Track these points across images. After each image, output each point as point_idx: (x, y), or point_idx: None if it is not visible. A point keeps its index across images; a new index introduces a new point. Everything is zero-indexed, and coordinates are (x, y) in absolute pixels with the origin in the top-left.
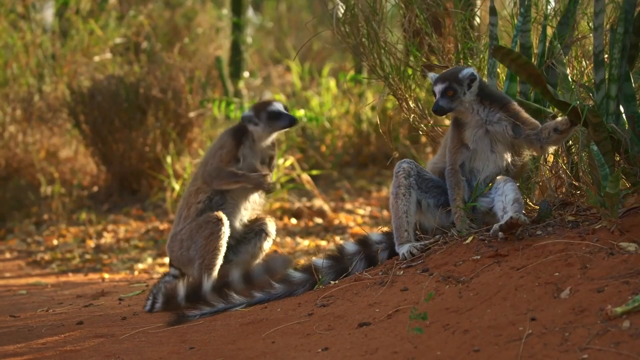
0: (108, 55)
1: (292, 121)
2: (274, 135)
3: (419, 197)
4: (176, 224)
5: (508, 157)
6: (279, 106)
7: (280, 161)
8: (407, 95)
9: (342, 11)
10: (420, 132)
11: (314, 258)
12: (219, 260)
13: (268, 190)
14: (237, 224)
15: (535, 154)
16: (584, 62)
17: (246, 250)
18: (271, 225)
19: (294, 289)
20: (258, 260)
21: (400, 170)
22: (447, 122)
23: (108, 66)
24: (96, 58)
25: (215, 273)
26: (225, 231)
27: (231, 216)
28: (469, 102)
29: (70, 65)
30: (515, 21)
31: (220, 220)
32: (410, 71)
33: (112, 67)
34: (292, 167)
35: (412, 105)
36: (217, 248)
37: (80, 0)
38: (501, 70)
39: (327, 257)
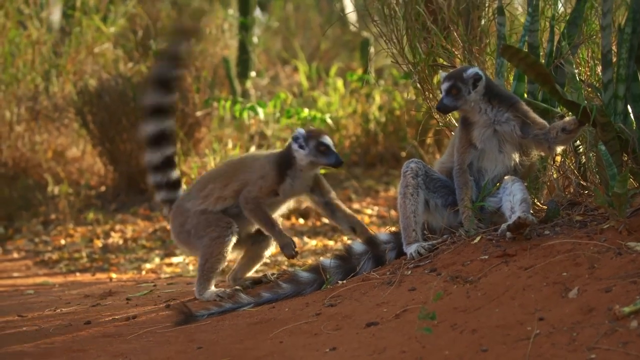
0: (105, 45)
1: (337, 161)
2: (316, 170)
3: (426, 197)
4: (191, 194)
5: (516, 157)
6: (329, 141)
7: None
8: (430, 86)
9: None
10: (439, 124)
11: (321, 258)
12: (221, 266)
13: (290, 256)
14: (250, 229)
15: (543, 154)
16: (592, 62)
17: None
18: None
19: (302, 288)
20: (257, 266)
21: (408, 170)
22: (454, 121)
23: (108, 57)
24: (96, 49)
25: (213, 283)
26: (233, 240)
27: (246, 225)
28: (474, 102)
29: (74, 62)
30: (524, 20)
31: (231, 227)
32: (441, 60)
33: (109, 61)
34: None
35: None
36: (221, 253)
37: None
38: (509, 69)
39: (334, 257)
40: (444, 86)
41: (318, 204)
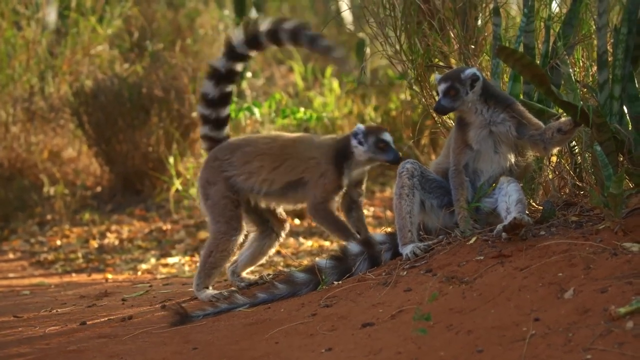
0: (99, 47)
1: (395, 158)
2: (372, 165)
3: (422, 198)
4: (233, 161)
5: (511, 157)
6: (389, 138)
7: None
8: (427, 84)
9: None
10: (437, 124)
11: (317, 259)
12: (224, 264)
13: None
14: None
15: (538, 154)
16: (587, 63)
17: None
18: (286, 228)
19: (297, 289)
20: (258, 262)
21: (403, 171)
22: (450, 122)
23: (104, 58)
24: (92, 51)
25: (213, 281)
26: (239, 239)
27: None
28: (471, 102)
29: (70, 63)
30: (519, 21)
31: (238, 230)
32: (437, 61)
33: (105, 61)
34: None
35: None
36: (226, 250)
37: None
38: (505, 70)
39: (330, 258)
40: (442, 87)
41: (346, 198)
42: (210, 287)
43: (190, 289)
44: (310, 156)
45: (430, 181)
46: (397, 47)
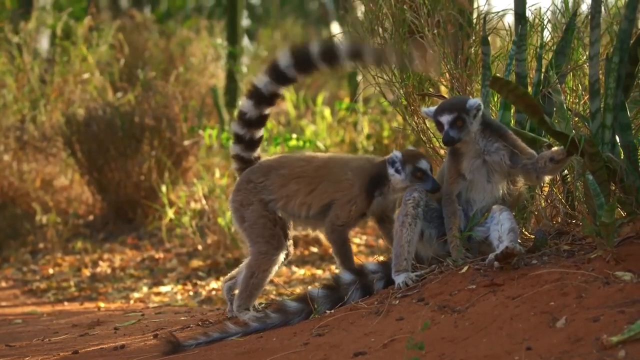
0: (86, 75)
1: (434, 187)
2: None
3: (422, 228)
4: (268, 185)
5: (504, 186)
6: (427, 166)
7: None
8: (418, 107)
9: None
10: (429, 149)
11: (309, 287)
12: (266, 282)
13: None
14: None
15: (530, 183)
16: (579, 91)
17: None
18: (290, 253)
19: (290, 318)
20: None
21: (410, 199)
22: (442, 151)
23: (94, 85)
24: (82, 78)
25: (254, 301)
26: (281, 258)
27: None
28: (474, 132)
29: (60, 90)
30: (509, 49)
31: (280, 248)
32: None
33: (94, 89)
34: None
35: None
36: (268, 270)
37: (73, 28)
38: (496, 98)
39: (322, 287)
40: (447, 118)
41: (380, 218)
42: (251, 308)
43: (183, 318)
44: (343, 178)
45: (432, 210)
46: (387, 76)
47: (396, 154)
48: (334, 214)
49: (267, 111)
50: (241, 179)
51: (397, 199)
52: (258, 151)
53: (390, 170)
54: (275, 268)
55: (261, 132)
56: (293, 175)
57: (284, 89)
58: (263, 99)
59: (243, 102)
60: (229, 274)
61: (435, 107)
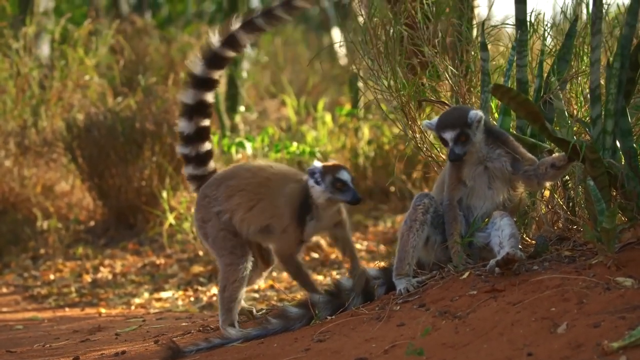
0: (87, 77)
1: (354, 199)
2: (337, 207)
3: (429, 234)
4: (218, 196)
5: (504, 192)
6: (347, 177)
7: None
8: (415, 116)
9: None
10: (425, 156)
11: (310, 293)
12: (240, 293)
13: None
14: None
15: (531, 189)
16: (580, 97)
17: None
18: (269, 268)
19: (291, 324)
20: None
21: (420, 205)
22: (442, 156)
23: (93, 90)
24: (81, 81)
25: (236, 312)
26: (248, 267)
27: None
28: (478, 143)
29: (59, 95)
30: (508, 56)
31: (245, 257)
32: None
33: (95, 94)
34: None
35: (418, 130)
36: (237, 280)
37: (72, 32)
38: (496, 104)
39: (324, 292)
40: (449, 135)
41: (335, 239)
42: (236, 317)
43: (184, 324)
44: (276, 204)
45: (439, 217)
46: (386, 83)
47: (316, 164)
48: (277, 245)
49: (204, 123)
50: (199, 195)
51: (335, 220)
52: (212, 164)
53: (310, 182)
54: (245, 277)
55: (207, 146)
56: (239, 188)
57: (209, 95)
58: (194, 110)
59: (179, 122)
60: None
61: (435, 119)
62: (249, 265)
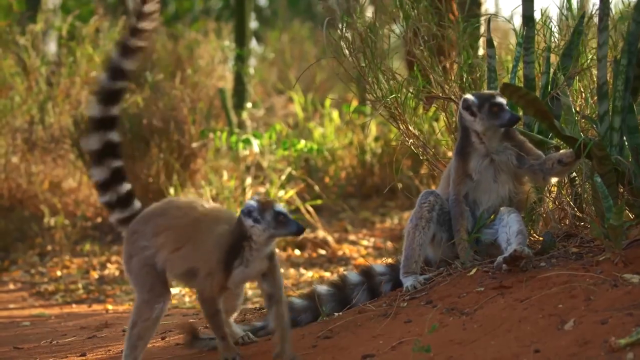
0: (94, 73)
1: (299, 229)
2: (272, 245)
3: (435, 231)
4: (146, 230)
5: (510, 186)
6: (283, 209)
7: (282, 192)
8: (407, 119)
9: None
10: (421, 158)
11: (316, 285)
12: (150, 335)
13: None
14: None
15: (537, 185)
16: (587, 94)
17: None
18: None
19: (296, 315)
20: (232, 318)
21: (425, 202)
22: (449, 153)
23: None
24: (89, 77)
25: (141, 354)
26: (163, 310)
27: None
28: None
29: (67, 91)
30: (515, 52)
31: (163, 298)
32: (410, 100)
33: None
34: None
35: (412, 129)
36: (149, 319)
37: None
38: None
39: (329, 285)
40: (505, 100)
41: (265, 292)
42: None
43: (191, 320)
44: (203, 247)
45: (445, 214)
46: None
47: (250, 203)
48: (199, 286)
49: (115, 164)
50: (127, 231)
51: (266, 266)
52: (136, 204)
53: (249, 222)
54: (158, 319)
55: (127, 186)
56: (166, 226)
57: (114, 134)
58: (102, 155)
59: (91, 171)
60: None
61: (478, 92)
62: (165, 307)
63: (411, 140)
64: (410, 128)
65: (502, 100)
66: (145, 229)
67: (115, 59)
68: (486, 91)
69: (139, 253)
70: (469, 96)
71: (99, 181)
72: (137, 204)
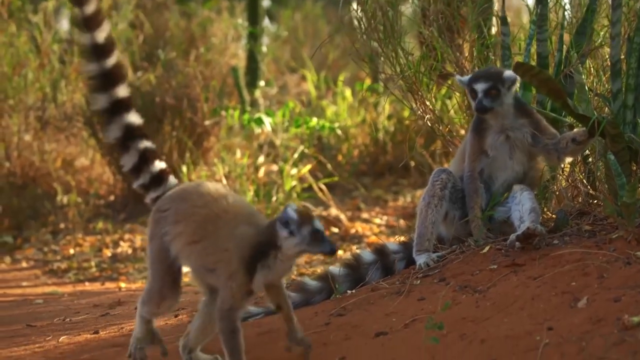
0: None
1: (332, 250)
2: (299, 258)
3: (447, 209)
4: (169, 215)
5: (525, 163)
6: (322, 226)
7: (294, 170)
8: (422, 95)
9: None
10: (437, 133)
11: (330, 267)
12: (151, 318)
13: None
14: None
15: (551, 164)
16: (600, 72)
17: None
18: None
19: (310, 297)
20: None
21: (438, 180)
22: (462, 131)
23: None
24: None
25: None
26: (173, 304)
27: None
28: (507, 106)
29: (80, 69)
30: (529, 30)
31: (174, 291)
32: (425, 75)
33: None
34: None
35: (428, 104)
36: (156, 305)
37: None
38: None
39: (343, 266)
40: (482, 87)
41: (270, 292)
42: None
43: (204, 298)
44: (225, 247)
45: (458, 191)
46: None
47: (290, 214)
48: (219, 297)
49: (142, 144)
50: (155, 209)
51: (288, 269)
52: (171, 180)
53: (283, 233)
54: (165, 307)
55: (159, 164)
56: (186, 214)
57: (128, 115)
58: (126, 138)
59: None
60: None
61: (469, 75)
62: (173, 306)
63: (428, 116)
64: (427, 103)
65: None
66: (168, 212)
67: (84, 38)
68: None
69: (158, 236)
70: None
71: (131, 167)
72: (172, 180)
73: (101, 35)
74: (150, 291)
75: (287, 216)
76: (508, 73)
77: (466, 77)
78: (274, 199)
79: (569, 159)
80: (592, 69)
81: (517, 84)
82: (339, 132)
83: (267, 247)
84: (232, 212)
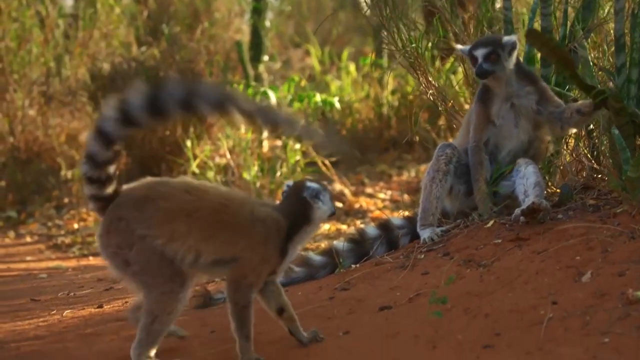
0: (112, 26)
1: (334, 212)
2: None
3: (452, 183)
4: (145, 216)
5: (531, 132)
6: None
7: (298, 145)
8: (425, 69)
9: None
10: (440, 109)
11: (334, 242)
12: (168, 327)
13: None
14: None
15: (555, 134)
16: (604, 46)
17: None
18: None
19: (315, 272)
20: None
21: (442, 155)
22: (466, 106)
23: (119, 40)
24: (107, 30)
25: (155, 349)
26: (187, 298)
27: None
28: (509, 70)
29: (86, 45)
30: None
31: (186, 285)
32: (428, 50)
33: (121, 45)
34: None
35: (431, 80)
36: (172, 312)
37: None
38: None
39: (347, 241)
40: (481, 52)
41: (269, 292)
42: (154, 353)
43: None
44: (255, 231)
45: (463, 166)
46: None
47: (314, 186)
48: (240, 272)
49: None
50: (110, 218)
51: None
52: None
53: (318, 204)
54: (180, 310)
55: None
56: (180, 212)
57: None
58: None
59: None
60: (134, 303)
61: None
62: (188, 296)
63: (431, 91)
64: (430, 79)
65: None
66: (140, 216)
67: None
68: None
69: (137, 242)
70: None
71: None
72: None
73: None
74: (161, 298)
75: (313, 188)
76: (507, 38)
77: (466, 47)
78: (278, 173)
79: (572, 130)
80: (601, 42)
81: (517, 48)
82: (337, 105)
83: (301, 222)
84: (235, 199)
